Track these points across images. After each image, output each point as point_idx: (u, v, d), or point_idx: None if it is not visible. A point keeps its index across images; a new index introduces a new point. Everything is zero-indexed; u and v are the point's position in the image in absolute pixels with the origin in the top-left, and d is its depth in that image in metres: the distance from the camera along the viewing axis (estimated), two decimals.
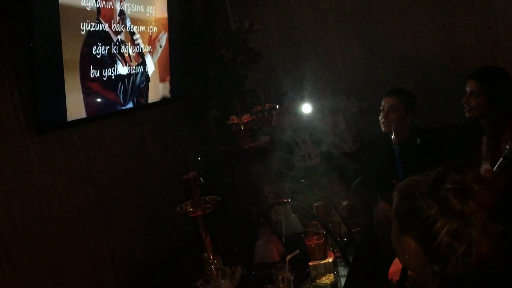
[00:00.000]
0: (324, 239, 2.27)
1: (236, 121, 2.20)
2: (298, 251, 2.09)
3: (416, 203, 1.20)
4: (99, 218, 2.62)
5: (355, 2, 3.87)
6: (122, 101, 2.78)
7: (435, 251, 1.17)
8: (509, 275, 1.17)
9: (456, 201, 1.13)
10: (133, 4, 2.83)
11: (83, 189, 2.55)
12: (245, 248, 2.44)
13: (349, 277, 2.20)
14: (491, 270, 1.16)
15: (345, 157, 3.08)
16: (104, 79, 2.59)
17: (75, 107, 2.41)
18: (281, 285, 2.05)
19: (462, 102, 2.50)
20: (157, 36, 3.14)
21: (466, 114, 2.51)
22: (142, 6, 2.94)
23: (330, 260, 2.21)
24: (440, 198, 1.16)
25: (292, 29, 4.08)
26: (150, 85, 3.08)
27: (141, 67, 2.96)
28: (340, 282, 2.18)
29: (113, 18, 2.64)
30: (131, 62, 2.84)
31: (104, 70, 2.58)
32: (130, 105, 2.87)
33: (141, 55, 2.95)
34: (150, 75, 3.07)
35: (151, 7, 3.03)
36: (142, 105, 3.02)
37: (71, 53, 2.34)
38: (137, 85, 2.92)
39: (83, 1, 2.39)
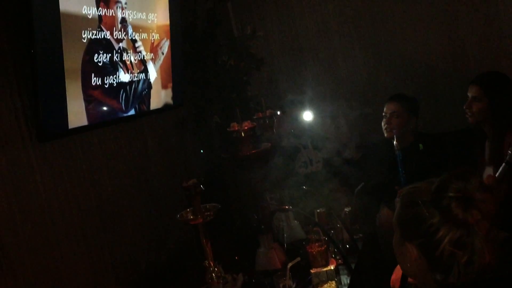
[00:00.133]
0: (325, 246, 2.25)
1: (236, 128, 2.20)
2: (299, 258, 2.08)
3: (419, 211, 1.19)
4: (100, 226, 2.62)
5: (357, 8, 3.88)
6: (124, 108, 2.79)
7: (437, 260, 1.16)
8: None
9: (459, 210, 1.12)
10: (135, 12, 2.84)
11: (84, 197, 2.55)
12: (247, 255, 2.43)
13: (351, 285, 2.19)
14: (494, 279, 1.15)
15: (347, 163, 3.07)
16: (106, 86, 2.60)
17: (77, 114, 2.41)
18: None
19: (464, 107, 2.49)
20: (159, 43, 3.15)
21: (468, 120, 2.50)
22: (144, 13, 2.95)
23: (332, 268, 2.20)
24: (443, 206, 1.14)
25: (295, 35, 4.09)
26: (152, 92, 3.08)
27: (143, 74, 2.96)
28: None
29: (114, 26, 2.65)
30: (133, 69, 2.85)
31: (105, 78, 2.59)
32: (132, 112, 2.87)
33: (143, 62, 2.96)
34: (152, 82, 3.07)
35: (153, 14, 3.05)
36: (144, 112, 3.03)
37: (72, 61, 2.35)
38: (139, 92, 2.93)
39: (84, 9, 2.40)
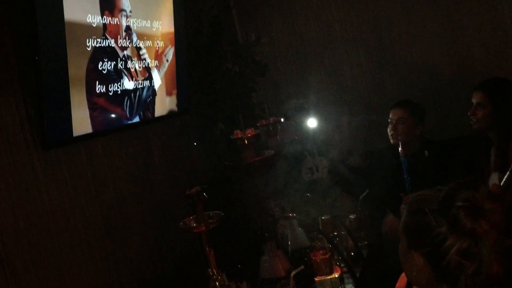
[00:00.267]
0: (330, 253, 2.24)
1: (240, 136, 2.19)
2: (302, 266, 2.07)
3: (426, 219, 1.18)
4: (105, 233, 2.62)
5: (362, 14, 3.87)
6: (128, 116, 2.80)
7: (444, 270, 1.15)
8: None
9: (467, 220, 1.10)
10: (140, 20, 2.86)
11: (89, 204, 2.55)
12: (251, 263, 2.42)
13: None
14: None
15: (352, 170, 3.05)
16: (110, 94, 2.61)
17: (81, 122, 2.42)
18: None
19: (468, 114, 2.47)
20: (163, 51, 3.16)
21: (473, 126, 2.48)
22: (149, 21, 2.96)
23: (337, 276, 2.19)
24: (450, 216, 1.13)
25: (299, 42, 4.09)
26: (157, 99, 3.09)
27: (148, 81, 2.98)
28: None
29: (119, 34, 2.67)
30: (137, 76, 2.86)
31: (110, 85, 2.60)
32: (136, 119, 2.88)
33: (147, 69, 2.97)
34: (156, 89, 3.08)
35: (157, 22, 3.06)
36: (149, 119, 3.03)
37: (77, 69, 2.36)
38: (143, 99, 2.94)
39: (89, 18, 2.42)
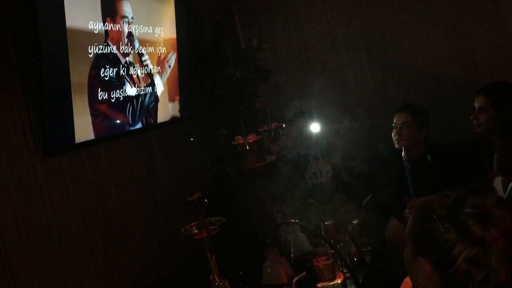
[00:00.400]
0: (332, 259, 2.23)
1: (241, 141, 2.19)
2: (304, 273, 2.06)
3: (433, 225, 1.15)
4: (107, 240, 2.62)
5: (364, 18, 3.87)
6: (130, 122, 2.80)
7: (452, 277, 1.13)
8: None
9: (476, 227, 1.08)
10: (141, 26, 2.87)
11: (91, 211, 2.55)
12: (253, 269, 2.41)
13: None
14: None
15: (355, 175, 3.04)
16: (113, 100, 2.62)
17: (83, 129, 2.43)
18: None
19: (471, 118, 2.46)
20: (166, 57, 3.17)
21: (476, 130, 2.47)
22: (151, 27, 2.97)
23: (339, 282, 2.17)
24: (459, 223, 1.11)
25: (302, 46, 4.09)
26: (159, 105, 3.10)
27: (150, 87, 2.98)
28: None
29: (121, 40, 2.68)
30: (139, 83, 2.86)
31: (112, 92, 2.61)
32: (139, 125, 2.88)
33: (149, 75, 2.98)
34: (159, 95, 3.09)
35: (159, 28, 3.07)
36: (151, 125, 3.04)
37: (79, 76, 2.37)
38: (146, 105, 2.94)
39: (90, 25, 2.43)
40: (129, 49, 2.75)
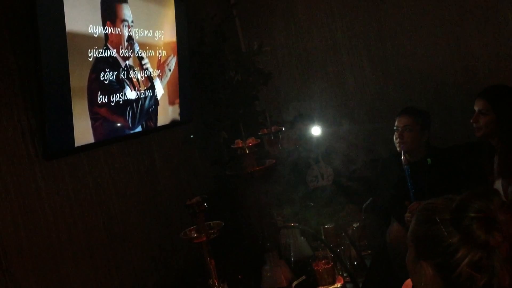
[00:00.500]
0: (332, 263, 2.22)
1: (241, 145, 2.19)
2: (304, 277, 2.05)
3: (437, 229, 1.14)
4: (107, 243, 2.62)
5: (365, 22, 3.87)
6: (130, 125, 2.80)
7: (454, 282, 1.11)
8: None
9: (480, 231, 1.07)
10: (142, 29, 2.87)
11: (91, 214, 2.55)
12: (252, 273, 2.41)
13: None
14: None
15: (355, 179, 3.03)
16: (112, 104, 2.62)
17: (83, 132, 2.43)
18: None
19: (471, 121, 2.46)
20: (166, 60, 3.17)
21: (476, 134, 2.46)
22: (151, 31, 2.97)
23: (339, 286, 2.16)
24: (463, 227, 1.10)
25: (303, 50, 4.09)
26: (159, 108, 3.10)
27: (150, 91, 2.98)
28: None
29: (121, 44, 2.68)
30: (139, 86, 2.86)
31: (112, 96, 2.61)
32: (139, 128, 2.88)
33: (150, 79, 2.98)
34: (159, 98, 3.09)
35: (159, 31, 3.07)
36: (151, 129, 3.04)
37: (78, 79, 2.37)
38: (145, 109, 2.94)
39: (90, 28, 2.43)
40: (129, 53, 2.75)
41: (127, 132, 2.79)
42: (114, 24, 2.61)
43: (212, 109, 3.63)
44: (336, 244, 2.49)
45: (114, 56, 2.63)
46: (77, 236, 2.44)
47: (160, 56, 3.10)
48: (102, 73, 2.53)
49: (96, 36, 2.47)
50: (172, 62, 3.24)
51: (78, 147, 2.40)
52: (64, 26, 2.25)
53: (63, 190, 2.40)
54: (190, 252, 3.21)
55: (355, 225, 2.73)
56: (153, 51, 3.00)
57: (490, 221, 1.08)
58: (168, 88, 3.20)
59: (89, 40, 2.43)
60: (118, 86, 2.66)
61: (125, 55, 2.71)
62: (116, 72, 2.64)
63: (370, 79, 3.92)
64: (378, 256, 2.62)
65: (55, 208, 2.34)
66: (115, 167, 2.79)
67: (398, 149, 2.92)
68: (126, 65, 2.73)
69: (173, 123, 3.29)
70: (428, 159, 2.80)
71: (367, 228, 2.74)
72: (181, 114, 3.35)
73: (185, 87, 3.38)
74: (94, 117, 2.50)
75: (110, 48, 2.59)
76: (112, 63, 2.61)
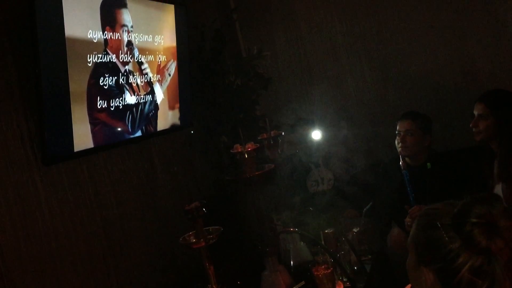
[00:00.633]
0: (332, 268, 2.21)
1: (240, 150, 2.19)
2: (303, 282, 2.04)
3: (438, 234, 1.14)
4: (107, 249, 2.61)
5: (365, 26, 3.87)
6: (130, 130, 2.80)
7: (455, 287, 1.12)
8: None
9: (482, 237, 1.07)
10: (141, 35, 2.87)
11: (91, 220, 2.55)
12: (252, 278, 2.40)
13: None
14: None
15: (355, 183, 3.03)
16: (112, 109, 2.62)
17: (82, 137, 2.43)
18: None
19: (470, 125, 2.45)
20: (166, 65, 3.18)
21: (475, 138, 2.46)
22: (150, 36, 2.98)
23: None
24: (464, 232, 1.09)
25: (303, 54, 4.09)
26: (159, 113, 3.10)
27: (150, 96, 2.98)
28: None
29: (120, 49, 2.68)
30: (139, 91, 2.86)
31: (111, 101, 2.61)
32: (138, 133, 2.88)
33: (149, 84, 2.98)
34: (159, 103, 3.09)
35: (159, 36, 3.08)
36: (151, 133, 3.04)
37: (78, 84, 2.37)
38: (145, 113, 2.94)
39: (90, 34, 2.43)
40: (129, 58, 2.76)
41: (127, 136, 2.79)
42: (113, 29, 2.61)
43: (212, 114, 3.63)
44: (336, 249, 2.48)
45: (114, 61, 2.63)
46: (76, 241, 2.43)
47: (160, 61, 3.10)
48: (102, 78, 2.54)
49: (95, 41, 2.47)
50: (172, 67, 3.24)
51: (78, 152, 2.40)
52: (64, 32, 2.25)
53: (62, 195, 2.40)
54: (189, 257, 3.20)
55: (355, 229, 2.72)
56: (152, 56, 3.01)
57: (491, 227, 1.08)
58: (168, 92, 3.20)
59: (88, 46, 2.43)
60: (117, 91, 2.66)
61: (124, 60, 2.72)
62: (115, 77, 2.64)
63: (370, 83, 3.92)
64: (378, 261, 2.61)
65: (54, 213, 2.34)
66: (115, 172, 2.78)
67: (400, 153, 2.90)
68: (125, 70, 2.73)
69: (173, 127, 3.29)
70: (428, 164, 2.79)
71: (367, 233, 2.73)
72: (181, 118, 3.35)
73: (185, 91, 3.38)
74: (94, 122, 2.50)
75: (110, 53, 2.59)
76: (111, 68, 2.61)
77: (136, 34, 2.82)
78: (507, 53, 3.48)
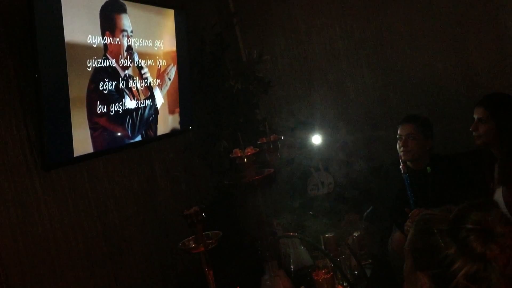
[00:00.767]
0: (332, 273, 2.21)
1: (239, 154, 2.18)
2: (303, 287, 2.03)
3: (434, 240, 1.14)
4: (107, 254, 2.61)
5: (365, 30, 3.87)
6: (130, 135, 2.80)
7: None
8: None
9: (477, 243, 1.06)
10: (141, 39, 2.88)
11: (90, 225, 2.54)
12: (251, 283, 2.39)
13: None
14: None
15: (356, 187, 3.02)
16: (112, 114, 2.62)
17: (82, 142, 2.43)
18: None
19: (470, 129, 2.45)
20: (165, 69, 3.18)
21: (476, 142, 2.45)
22: (150, 40, 2.98)
23: None
24: (460, 238, 1.09)
25: (303, 58, 4.09)
26: (159, 117, 3.10)
27: (150, 100, 2.98)
28: None
29: (120, 54, 2.68)
30: (139, 96, 2.87)
31: (111, 105, 2.61)
32: (138, 138, 2.88)
33: (149, 88, 2.98)
34: (159, 107, 3.09)
35: (159, 41, 3.08)
36: (151, 138, 3.04)
37: (77, 89, 2.37)
38: (145, 118, 2.94)
39: (89, 39, 2.44)
40: (129, 62, 2.76)
41: (127, 141, 2.79)
42: (113, 34, 2.61)
43: (212, 118, 3.63)
44: (336, 254, 2.48)
45: (113, 66, 2.63)
46: (76, 247, 2.43)
47: (160, 66, 3.10)
48: (101, 83, 2.54)
49: (95, 46, 2.47)
50: (172, 71, 3.25)
51: (77, 157, 2.40)
52: (63, 37, 2.26)
53: (62, 200, 2.40)
54: (189, 262, 3.19)
55: (355, 234, 2.72)
56: (152, 60, 3.01)
57: (487, 233, 1.07)
58: (168, 97, 3.20)
59: (88, 50, 2.43)
60: (117, 95, 2.66)
61: (124, 65, 2.72)
62: (115, 82, 2.64)
63: (370, 87, 3.92)
64: (379, 266, 2.60)
65: (54, 219, 2.33)
66: (115, 177, 2.78)
67: (402, 157, 2.89)
68: (125, 74, 2.73)
69: (173, 132, 3.29)
70: (428, 168, 2.78)
71: (368, 237, 2.73)
72: (181, 123, 3.35)
73: (185, 96, 3.38)
74: (93, 127, 2.50)
75: (109, 58, 2.60)
76: (111, 73, 2.61)
77: (136, 38, 2.82)
78: (508, 57, 3.48)
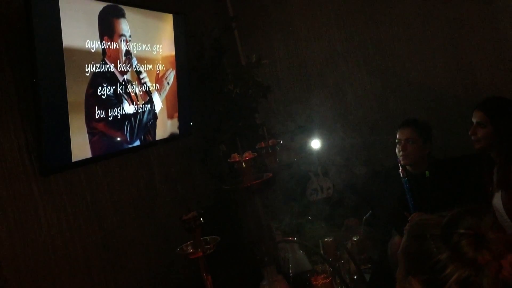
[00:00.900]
0: (331, 278, 2.20)
1: (237, 159, 2.18)
2: None
3: (426, 245, 1.15)
4: (105, 259, 2.60)
5: (364, 34, 3.88)
6: (128, 140, 2.80)
7: None
8: None
9: (469, 248, 1.07)
10: (140, 44, 2.88)
11: (89, 230, 2.54)
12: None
13: None
14: None
15: (355, 191, 3.02)
16: (110, 119, 2.61)
17: (80, 147, 2.42)
18: None
19: (469, 133, 2.44)
20: (164, 74, 3.18)
21: (474, 146, 2.44)
22: (149, 45, 2.98)
23: None
24: (452, 243, 1.10)
25: (302, 62, 4.10)
26: (158, 122, 3.10)
27: (148, 105, 2.98)
28: None
29: (119, 59, 2.68)
30: (137, 100, 2.86)
31: (109, 110, 2.61)
32: (137, 143, 2.88)
33: (148, 93, 2.98)
34: (157, 112, 3.09)
35: (158, 45, 3.08)
36: (150, 143, 3.03)
37: (75, 94, 2.37)
38: (144, 123, 2.94)
39: (87, 43, 2.44)
40: (127, 67, 2.76)
41: (125, 146, 2.78)
42: (111, 39, 2.61)
43: (211, 122, 3.63)
44: (336, 258, 2.47)
45: (112, 70, 2.63)
46: (75, 252, 2.42)
47: (159, 70, 3.10)
48: (100, 88, 2.54)
49: (93, 51, 2.47)
50: (171, 76, 3.25)
51: (76, 162, 2.40)
52: (61, 42, 2.26)
53: (61, 206, 2.39)
54: (188, 267, 3.18)
55: (354, 238, 2.71)
56: (151, 65, 3.01)
57: (479, 238, 1.08)
58: (167, 101, 3.20)
59: (86, 55, 2.43)
60: (115, 100, 2.66)
61: (123, 70, 2.72)
62: (113, 87, 2.64)
63: (369, 91, 3.92)
64: (378, 270, 2.59)
65: (53, 224, 2.33)
66: (113, 182, 2.78)
67: (402, 162, 2.89)
68: (124, 79, 2.73)
69: (172, 136, 3.28)
70: (427, 172, 2.78)
71: (367, 241, 2.72)
72: (180, 127, 3.35)
73: (184, 100, 3.38)
74: (92, 132, 2.49)
75: (108, 63, 2.60)
76: (109, 78, 2.61)
77: (135, 43, 2.82)
78: (507, 61, 3.48)
